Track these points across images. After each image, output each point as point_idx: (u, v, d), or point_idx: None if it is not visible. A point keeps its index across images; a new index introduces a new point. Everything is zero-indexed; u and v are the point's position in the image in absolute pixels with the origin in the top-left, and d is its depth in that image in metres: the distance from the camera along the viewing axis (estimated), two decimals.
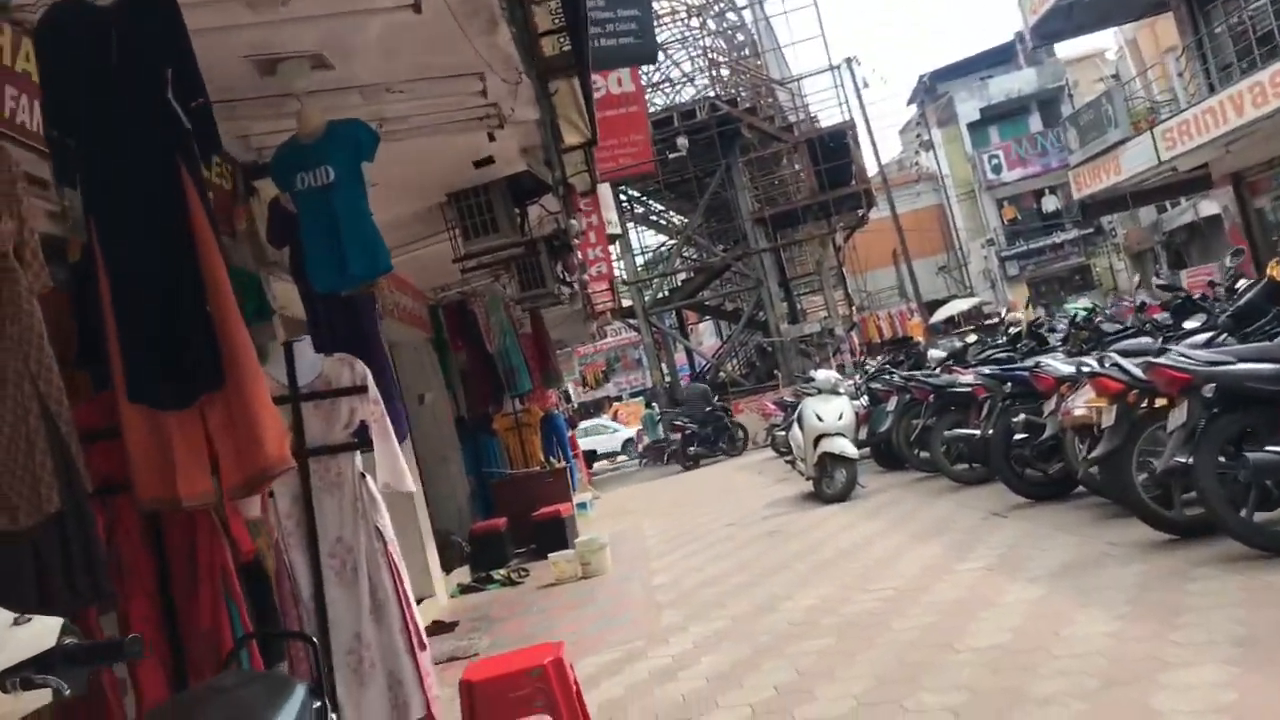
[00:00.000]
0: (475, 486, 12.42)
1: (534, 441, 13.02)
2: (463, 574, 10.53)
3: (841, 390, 10.97)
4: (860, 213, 24.93)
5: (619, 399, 46.72)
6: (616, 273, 22.35)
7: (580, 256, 11.40)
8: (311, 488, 3.62)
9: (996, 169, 46.03)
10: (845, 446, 10.53)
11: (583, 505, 14.71)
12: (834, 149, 23.47)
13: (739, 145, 24.17)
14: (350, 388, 3.74)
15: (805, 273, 29.35)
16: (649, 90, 24.22)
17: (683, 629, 6.31)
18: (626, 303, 26.20)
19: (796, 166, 25.30)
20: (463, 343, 12.70)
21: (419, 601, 9.39)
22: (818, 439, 10.69)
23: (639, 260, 27.18)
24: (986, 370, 9.20)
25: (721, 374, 26.61)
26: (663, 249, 31.20)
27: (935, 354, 14.97)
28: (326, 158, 5.01)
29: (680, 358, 30.88)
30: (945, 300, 40.26)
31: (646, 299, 25.09)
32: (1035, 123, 46.83)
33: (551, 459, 12.75)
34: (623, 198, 25.47)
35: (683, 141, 21.30)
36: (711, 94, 24.05)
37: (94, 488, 3.38)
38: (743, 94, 24.20)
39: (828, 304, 24.54)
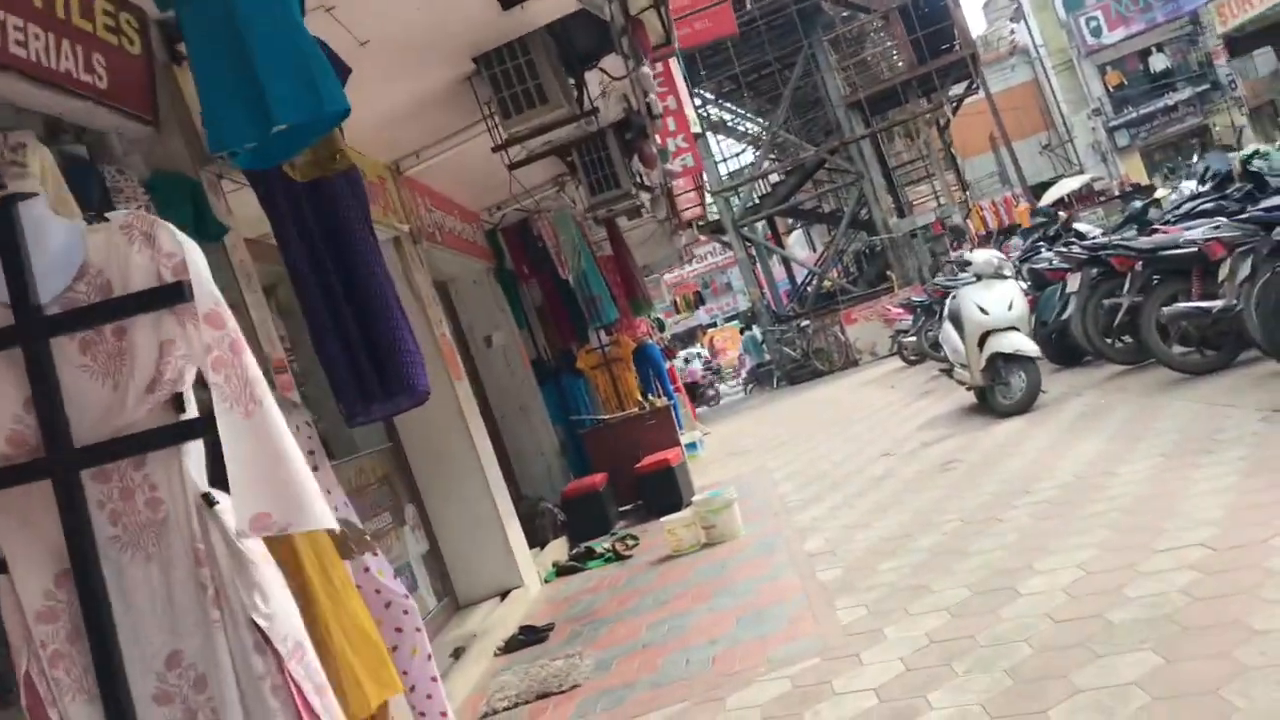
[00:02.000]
0: (565, 438, 10.44)
1: (628, 378, 10.97)
2: (559, 548, 8.60)
3: (1007, 273, 8.63)
4: (968, 84, 22.09)
5: (713, 325, 44.62)
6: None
7: (659, 143, 9.19)
8: (95, 540, 1.56)
9: (1096, 31, 42.27)
10: (1022, 343, 8.23)
11: (692, 446, 12.71)
12: (929, 14, 20.66)
13: (820, 24, 21.51)
14: (152, 291, 1.64)
15: (904, 162, 26.59)
16: None
17: (876, 633, 4.19)
18: (713, 217, 23.93)
19: (889, 41, 22.49)
20: (531, 271, 10.65)
21: (504, 595, 7.52)
22: (984, 337, 8.41)
23: (722, 170, 24.75)
24: (1227, 219, 6.82)
25: (826, 282, 24.20)
26: (746, 158, 28.69)
27: (1084, 227, 12.52)
28: None
29: (778, 272, 28.46)
30: (1052, 181, 36.98)
31: (735, 209, 22.71)
32: None
33: (650, 396, 10.70)
34: (697, 101, 23.05)
35: None
36: None
37: None
38: None
39: (941, 191, 21.84)
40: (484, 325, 10.12)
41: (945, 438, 8.38)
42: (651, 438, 9.88)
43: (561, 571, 7.77)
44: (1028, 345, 8.21)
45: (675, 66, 11.69)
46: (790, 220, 34.25)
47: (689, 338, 44.43)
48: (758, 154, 25.14)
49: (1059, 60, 43.59)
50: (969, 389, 9.37)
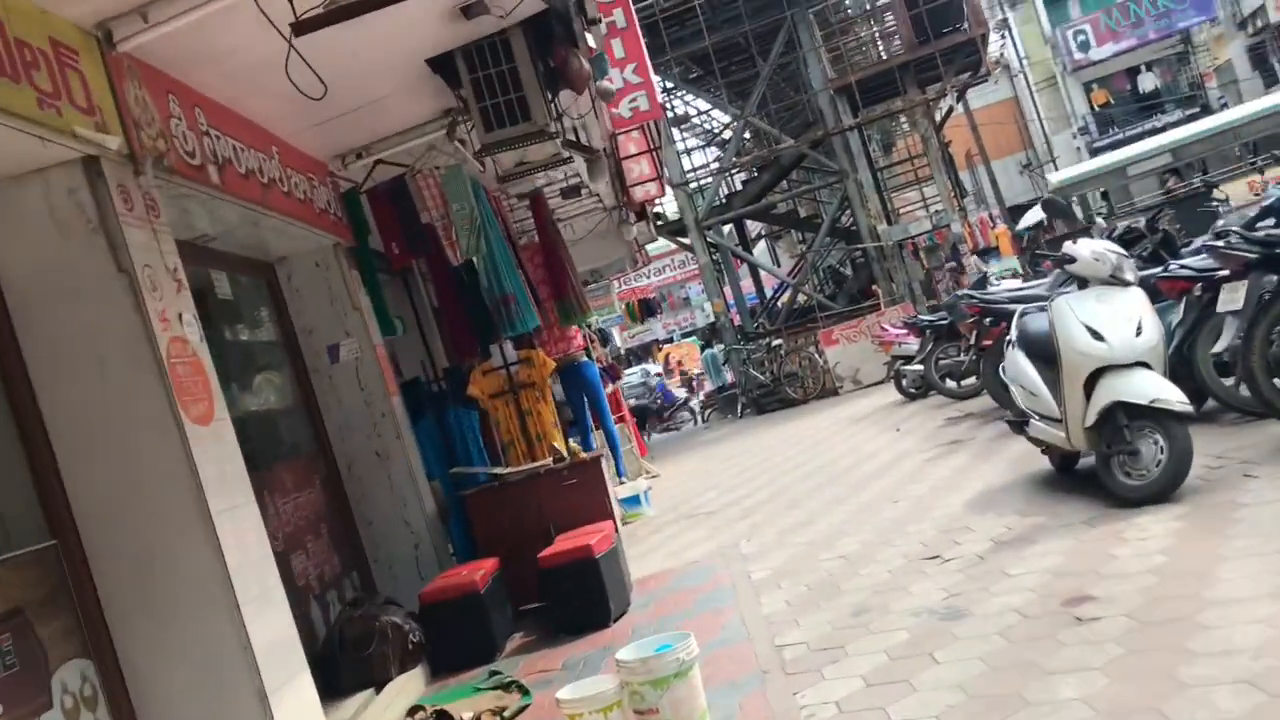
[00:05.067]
0: (448, 500, 7.17)
1: (542, 412, 7.67)
2: (407, 690, 5.34)
3: (1130, 276, 5.49)
4: (974, 72, 19.15)
5: (669, 340, 41.56)
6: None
7: (591, 49, 5.94)
8: None
9: (1084, 45, 40.11)
10: (1162, 389, 5.09)
11: (635, 500, 9.52)
12: None
13: None
14: None
15: (892, 163, 23.64)
16: None
17: None
18: (672, 215, 20.81)
19: (882, 23, 19.47)
20: (404, 253, 7.38)
21: None
22: (1095, 376, 5.28)
23: (685, 163, 21.57)
24: None
25: (801, 297, 21.09)
26: (711, 154, 25.49)
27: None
28: None
29: (745, 285, 25.20)
30: (1032, 203, 34.35)
31: (699, 209, 19.55)
32: None
33: (573, 443, 7.45)
34: (658, 80, 19.95)
35: None
36: None
37: None
38: None
39: (940, 195, 18.78)
40: (328, 329, 6.84)
41: (1031, 538, 5.20)
42: (570, 505, 6.65)
43: None
44: (1172, 393, 5.07)
45: None
46: (756, 231, 31.22)
47: (643, 353, 41.28)
48: (726, 147, 22.11)
49: (1041, 76, 41.35)
50: (1045, 451, 6.27)
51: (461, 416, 7.49)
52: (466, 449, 7.42)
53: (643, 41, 8.80)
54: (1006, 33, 41.44)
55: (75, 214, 3.86)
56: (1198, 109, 38.86)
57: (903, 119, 32.30)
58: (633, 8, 8.83)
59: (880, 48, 20.80)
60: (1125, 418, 5.19)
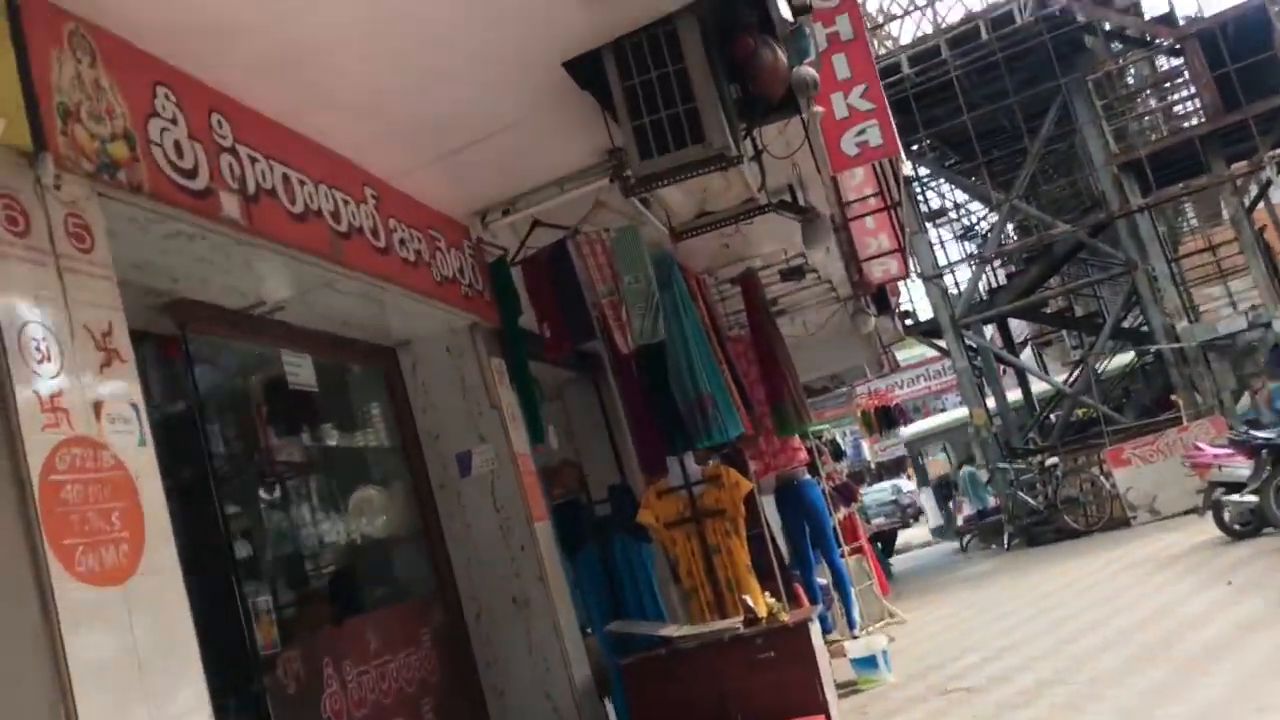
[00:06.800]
0: (609, 665, 5.38)
1: (734, 549, 5.72)
2: None
3: None
4: None
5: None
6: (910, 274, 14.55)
7: (790, 22, 4.13)
8: None
9: None
10: None
11: (870, 663, 7.38)
12: (1240, 47, 14.92)
13: (1080, 65, 16.14)
14: None
15: (1191, 252, 20.48)
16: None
17: None
18: (924, 314, 18.57)
19: (1163, 100, 16.70)
20: (561, 337, 5.77)
21: None
22: None
23: (940, 256, 19.32)
24: None
25: (1079, 410, 18.18)
26: (970, 255, 23.00)
27: None
28: None
29: (1011, 394, 22.19)
30: None
31: (955, 307, 17.24)
32: None
33: (770, 599, 5.46)
34: (909, 169, 18.01)
35: None
36: None
37: None
38: None
39: (1259, 285, 15.60)
40: (457, 433, 5.31)
41: None
42: (765, 687, 4.72)
43: None
44: None
45: None
46: (1020, 337, 28.14)
47: (896, 468, 38.28)
48: (988, 237, 19.76)
49: None
50: None
51: (631, 550, 5.72)
52: (637, 595, 5.63)
53: (874, 58, 6.90)
54: None
55: None
56: None
57: (1190, 214, 28.55)
58: (863, 17, 6.99)
59: (1164, 125, 18.05)
60: None
